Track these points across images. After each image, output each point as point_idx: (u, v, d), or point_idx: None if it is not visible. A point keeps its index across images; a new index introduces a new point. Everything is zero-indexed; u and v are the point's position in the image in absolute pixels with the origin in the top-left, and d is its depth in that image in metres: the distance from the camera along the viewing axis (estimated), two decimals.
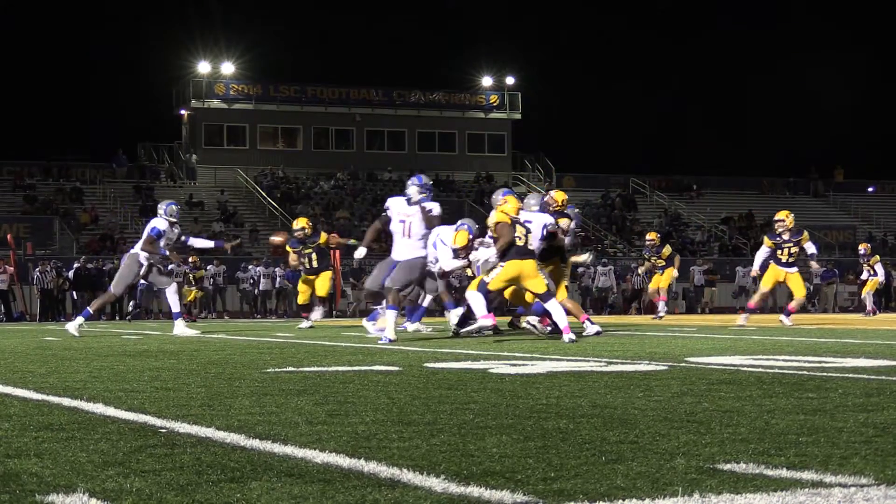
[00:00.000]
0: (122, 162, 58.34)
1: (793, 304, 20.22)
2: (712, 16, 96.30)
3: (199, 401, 6.14)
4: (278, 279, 40.40)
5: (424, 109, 63.64)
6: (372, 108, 62.87)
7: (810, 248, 20.45)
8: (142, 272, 17.75)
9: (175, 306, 18.29)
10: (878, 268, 32.51)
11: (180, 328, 17.81)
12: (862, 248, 33.45)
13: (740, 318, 20.52)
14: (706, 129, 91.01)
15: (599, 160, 77.63)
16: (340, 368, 8.68)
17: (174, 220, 18.06)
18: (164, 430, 4.84)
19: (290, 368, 8.72)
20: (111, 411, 5.65)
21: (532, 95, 68.45)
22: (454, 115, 64.18)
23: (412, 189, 15.15)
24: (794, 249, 20.22)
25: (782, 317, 20.13)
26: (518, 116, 65.43)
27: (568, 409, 5.45)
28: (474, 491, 3.41)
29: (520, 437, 4.50)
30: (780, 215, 20.62)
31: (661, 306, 27.78)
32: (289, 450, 4.25)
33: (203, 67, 61.57)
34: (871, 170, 71.24)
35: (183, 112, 63.07)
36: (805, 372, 7.81)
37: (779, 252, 20.25)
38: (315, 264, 25.22)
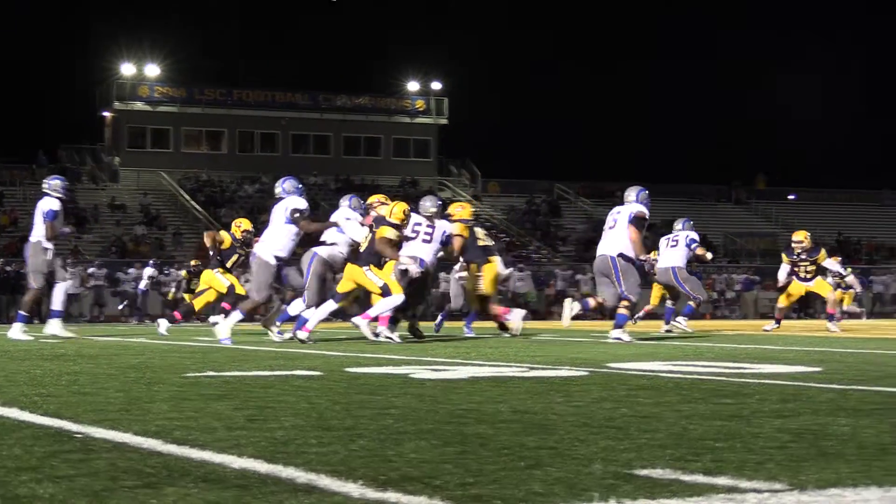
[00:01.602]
0: (42, 163, 57.71)
1: (830, 307, 21.42)
2: (642, 23, 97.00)
3: (117, 405, 6.08)
4: (175, 283, 40.04)
5: (350, 114, 63.64)
6: (298, 111, 62.79)
7: (832, 265, 21.75)
8: (49, 259, 17.10)
9: (57, 304, 17.53)
10: (852, 279, 32.22)
11: (55, 328, 17.20)
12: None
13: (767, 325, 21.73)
14: (630, 136, 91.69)
15: (525, 166, 77.92)
16: (261, 373, 8.63)
17: (62, 195, 17.39)
18: (79, 436, 4.79)
19: (211, 373, 8.66)
20: (26, 416, 5.58)
21: (458, 101, 68.63)
22: (380, 119, 64.25)
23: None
24: (811, 267, 21.23)
25: (829, 324, 20.88)
26: (444, 122, 65.61)
27: (488, 415, 5.45)
28: (391, 496, 3.40)
29: (439, 443, 4.49)
30: (798, 236, 21.49)
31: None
32: (206, 455, 4.21)
33: (127, 69, 61.17)
34: (793, 178, 72.18)
35: (106, 114, 62.59)
36: (723, 378, 7.88)
37: (797, 269, 21.27)
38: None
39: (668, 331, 19.89)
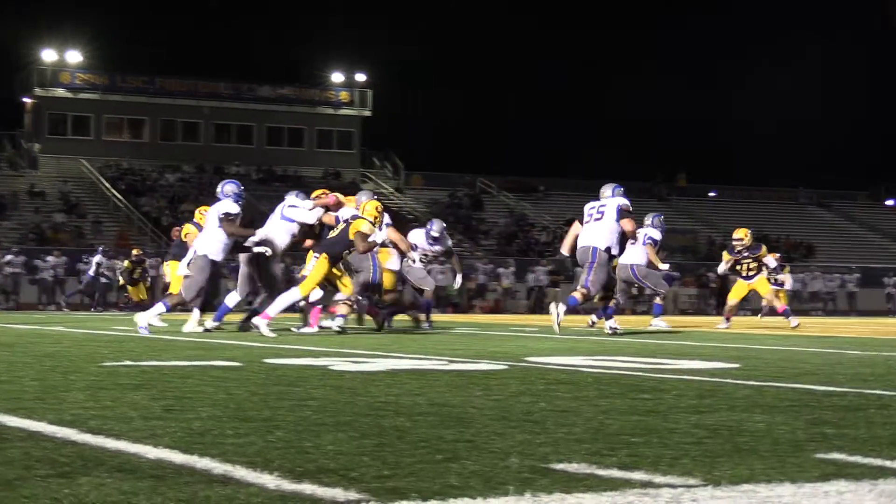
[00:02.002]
0: None
1: (774, 304, 21.64)
2: (566, 17, 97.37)
3: (32, 394, 6.01)
4: (119, 272, 39.66)
5: (273, 104, 63.31)
6: (220, 101, 62.34)
7: (770, 262, 21.71)
8: None
9: None
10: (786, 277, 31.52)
11: None
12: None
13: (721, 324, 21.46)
14: (554, 131, 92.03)
15: (448, 160, 77.92)
16: (179, 363, 8.57)
17: None
18: None
19: (128, 362, 8.58)
20: None
21: (382, 93, 68.51)
22: (303, 110, 63.98)
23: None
24: (753, 264, 21.26)
25: (789, 320, 20.72)
26: (368, 113, 65.47)
27: (406, 407, 5.45)
28: (307, 488, 3.39)
29: (356, 435, 4.48)
30: (738, 233, 21.56)
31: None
32: (122, 445, 4.17)
33: (48, 55, 60.43)
34: (713, 175, 72.81)
35: (27, 100, 61.80)
36: (642, 373, 7.93)
37: (738, 267, 21.35)
38: None
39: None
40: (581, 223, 16.17)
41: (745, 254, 21.23)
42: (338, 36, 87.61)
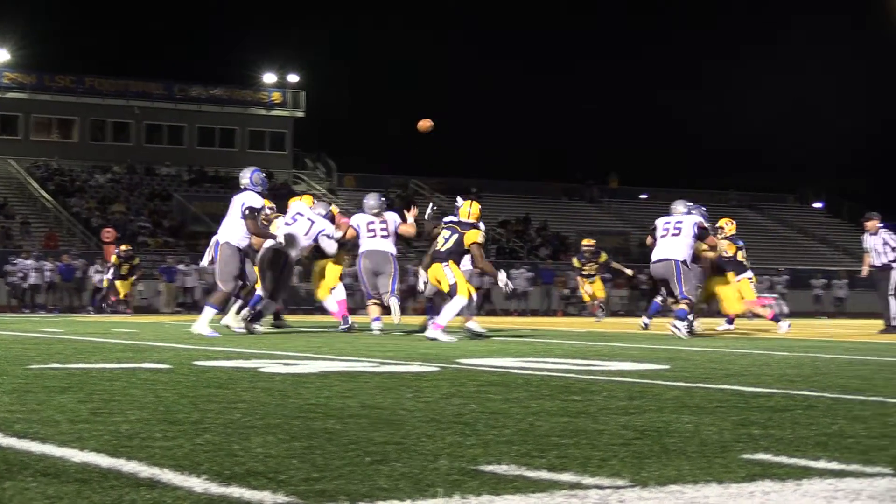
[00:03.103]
0: None
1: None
2: (501, 20, 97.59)
3: None
4: (48, 273, 39.36)
5: (205, 104, 62.91)
6: (151, 101, 61.85)
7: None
8: None
9: None
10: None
11: None
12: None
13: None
14: (487, 133, 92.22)
15: (381, 161, 77.84)
16: (108, 365, 8.50)
17: None
18: None
19: (56, 365, 8.49)
20: None
21: (315, 94, 68.31)
22: (235, 111, 63.63)
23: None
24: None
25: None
26: (300, 114, 65.24)
27: (336, 410, 5.44)
28: (235, 491, 3.37)
29: (286, 437, 4.46)
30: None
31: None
32: (47, 448, 4.13)
33: None
34: (645, 177, 73.31)
35: None
36: (572, 375, 7.96)
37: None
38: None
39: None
40: (654, 238, 17.13)
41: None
42: (270, 37, 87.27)
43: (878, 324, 20.37)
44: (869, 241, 20.81)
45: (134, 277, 35.60)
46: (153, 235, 49.80)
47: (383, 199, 17.46)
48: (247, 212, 15.09)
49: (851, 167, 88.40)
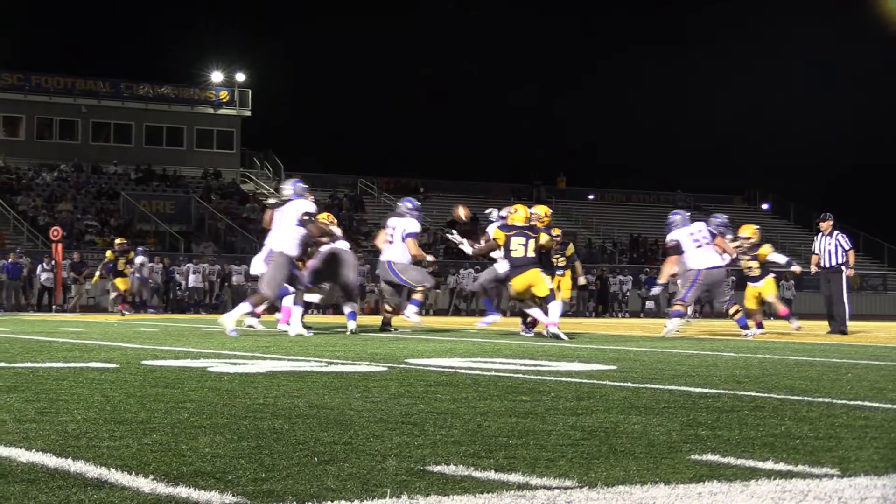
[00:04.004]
0: None
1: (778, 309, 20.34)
2: (452, 21, 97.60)
3: None
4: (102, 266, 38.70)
5: (152, 103, 62.49)
6: (98, 99, 61.36)
7: (776, 258, 21.12)
8: None
9: None
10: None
11: None
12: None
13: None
14: (435, 133, 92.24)
15: (328, 160, 77.74)
16: (55, 365, 8.44)
17: None
18: None
19: (2, 364, 8.42)
20: None
21: (262, 93, 68.07)
22: (183, 109, 63.25)
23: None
24: (754, 264, 19.73)
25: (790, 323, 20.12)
26: (248, 113, 64.94)
27: (284, 409, 5.43)
28: (182, 491, 3.36)
29: (234, 437, 4.45)
30: (745, 231, 19.72)
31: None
32: None
33: None
34: (592, 178, 73.63)
35: None
36: (521, 375, 7.97)
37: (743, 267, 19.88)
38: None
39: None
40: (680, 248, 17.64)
41: (748, 254, 19.50)
42: (217, 35, 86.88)
43: (825, 325, 20.49)
44: (822, 242, 20.72)
45: (132, 271, 33.95)
46: (100, 234, 49.42)
47: (409, 204, 17.69)
48: (305, 217, 15.33)
49: (798, 168, 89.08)
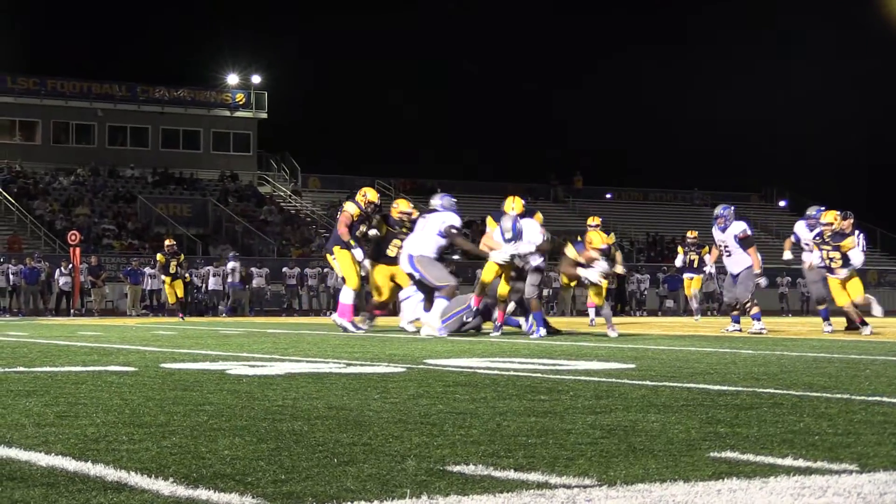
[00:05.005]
0: None
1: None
2: (467, 17, 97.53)
3: None
4: (12, 277, 39.07)
5: (169, 106, 62.60)
6: (115, 103, 61.47)
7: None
8: None
9: None
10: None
11: None
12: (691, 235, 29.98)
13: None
14: (451, 134, 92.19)
15: (345, 162, 77.70)
16: (73, 369, 8.46)
17: None
18: None
19: (21, 368, 8.45)
20: None
21: (279, 95, 68.11)
22: (199, 112, 63.34)
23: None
24: (835, 254, 17.97)
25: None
26: (264, 116, 65.00)
27: (303, 411, 5.43)
28: (202, 494, 3.36)
29: (253, 440, 4.46)
30: (827, 217, 18.12)
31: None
32: (13, 453, 4.11)
33: None
34: (609, 177, 73.50)
35: None
36: (539, 374, 7.96)
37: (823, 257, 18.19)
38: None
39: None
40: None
41: (831, 243, 17.76)
42: (233, 38, 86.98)
43: (842, 321, 20.33)
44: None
45: (185, 274, 31.94)
46: (118, 238, 49.54)
47: (442, 199, 17.39)
48: (453, 231, 16.51)
49: (816, 167, 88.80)
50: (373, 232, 17.33)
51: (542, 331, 15.65)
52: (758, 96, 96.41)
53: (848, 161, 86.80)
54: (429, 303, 16.67)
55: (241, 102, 64.24)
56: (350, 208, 17.32)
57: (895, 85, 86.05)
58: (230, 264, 40.45)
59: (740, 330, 18.54)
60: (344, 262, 17.26)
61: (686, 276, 29.48)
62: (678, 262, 28.95)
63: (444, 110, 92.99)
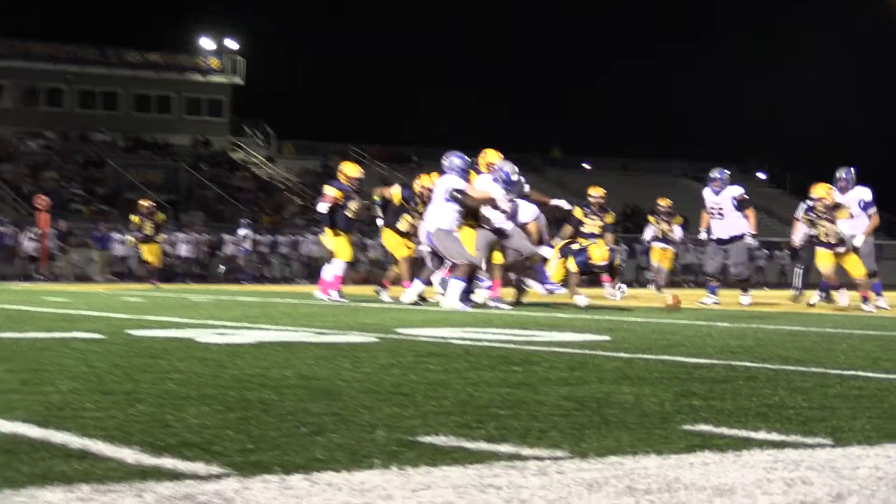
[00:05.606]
0: None
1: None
2: None
3: None
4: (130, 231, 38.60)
5: (140, 70, 62.22)
6: (85, 66, 61.06)
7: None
8: None
9: None
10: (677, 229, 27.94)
11: None
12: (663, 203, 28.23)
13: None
14: (429, 102, 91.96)
15: (322, 129, 77.47)
16: (39, 335, 8.38)
17: None
18: None
19: None
20: None
21: (254, 61, 67.80)
22: (172, 76, 63.02)
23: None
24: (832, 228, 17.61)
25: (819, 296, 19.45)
26: (239, 81, 64.74)
27: (273, 380, 5.38)
28: (168, 462, 3.30)
29: (221, 408, 4.40)
30: (819, 191, 17.36)
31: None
32: None
33: None
34: (587, 147, 73.44)
35: None
36: (512, 345, 7.93)
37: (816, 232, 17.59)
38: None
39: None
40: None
41: (826, 216, 17.07)
42: (208, 1, 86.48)
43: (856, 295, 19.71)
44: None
45: (163, 238, 31.03)
46: (87, 203, 49.32)
47: (457, 160, 16.03)
48: (456, 193, 15.24)
49: (795, 138, 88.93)
50: (354, 204, 17.18)
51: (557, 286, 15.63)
52: (738, 65, 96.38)
53: (829, 132, 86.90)
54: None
55: (215, 67, 63.93)
56: (330, 192, 17.15)
57: (880, 56, 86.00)
58: (241, 231, 40.32)
59: (718, 303, 18.53)
60: (332, 238, 17.22)
61: (657, 245, 27.84)
62: (647, 236, 27.79)
63: (420, 76, 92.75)
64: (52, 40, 61.68)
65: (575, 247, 16.53)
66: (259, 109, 68.48)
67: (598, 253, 15.69)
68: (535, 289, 16.10)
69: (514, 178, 15.65)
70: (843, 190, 17.93)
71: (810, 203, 17.35)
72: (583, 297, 15.88)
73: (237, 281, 38.48)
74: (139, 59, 62.66)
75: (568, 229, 21.64)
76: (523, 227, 16.11)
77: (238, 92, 65.25)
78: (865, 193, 17.90)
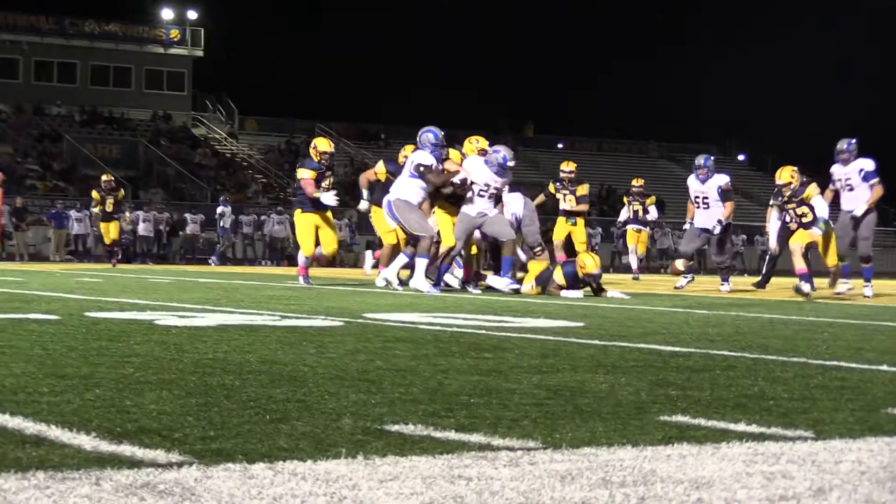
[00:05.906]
0: None
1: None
2: None
3: None
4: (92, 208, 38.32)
5: (98, 41, 61.52)
6: (41, 36, 60.36)
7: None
8: None
9: None
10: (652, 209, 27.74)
11: None
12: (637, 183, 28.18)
13: None
14: (397, 79, 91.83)
15: (284, 104, 77.15)
16: None
17: None
18: None
19: None
20: None
21: (216, 33, 67.29)
22: (131, 48, 62.40)
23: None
24: (803, 210, 16.86)
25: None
26: (200, 54, 64.25)
27: (235, 365, 5.30)
28: (126, 449, 3.22)
29: (181, 393, 4.32)
30: (784, 176, 16.81)
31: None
32: None
33: None
34: (561, 126, 73.31)
35: None
36: (483, 331, 7.87)
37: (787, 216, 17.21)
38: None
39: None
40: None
41: (794, 199, 16.70)
42: None
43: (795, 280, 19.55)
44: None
45: (127, 216, 30.80)
46: (42, 179, 48.93)
47: (428, 135, 15.68)
48: (422, 169, 15.03)
49: (775, 121, 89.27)
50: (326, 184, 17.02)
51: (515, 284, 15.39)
52: (717, 46, 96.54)
53: (808, 115, 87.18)
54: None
55: (175, 39, 63.41)
56: (305, 174, 16.94)
57: (858, 37, 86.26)
58: (220, 208, 40.16)
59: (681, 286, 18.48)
60: (301, 228, 17.07)
61: (631, 227, 27.46)
62: (622, 217, 27.71)
63: (386, 52, 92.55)
64: (7, 8, 60.94)
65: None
66: (221, 83, 68.20)
67: (591, 262, 15.08)
68: (496, 284, 15.82)
69: (512, 163, 15.70)
70: (845, 162, 17.50)
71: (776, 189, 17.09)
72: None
73: (203, 262, 38.31)
74: (97, 29, 62.00)
75: (540, 198, 21.57)
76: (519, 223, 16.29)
77: (199, 65, 64.81)
78: (867, 164, 17.45)
